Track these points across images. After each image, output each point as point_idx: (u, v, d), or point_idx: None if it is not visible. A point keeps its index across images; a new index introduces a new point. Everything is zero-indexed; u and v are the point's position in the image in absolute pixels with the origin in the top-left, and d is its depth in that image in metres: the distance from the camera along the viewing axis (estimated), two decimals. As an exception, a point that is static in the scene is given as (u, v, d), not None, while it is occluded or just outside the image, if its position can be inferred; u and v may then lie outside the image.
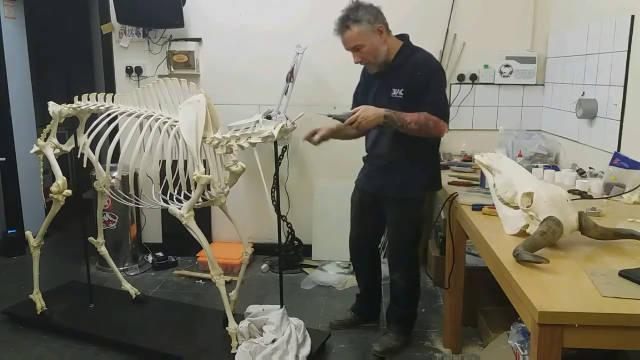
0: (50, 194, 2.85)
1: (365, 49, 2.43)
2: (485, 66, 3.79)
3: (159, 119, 2.63)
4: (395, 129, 2.39)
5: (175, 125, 2.56)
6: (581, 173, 2.71)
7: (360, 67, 2.66)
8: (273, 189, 3.67)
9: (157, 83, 2.67)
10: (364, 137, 2.72)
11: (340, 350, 2.79)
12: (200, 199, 2.55)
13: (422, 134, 2.38)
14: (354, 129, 2.38)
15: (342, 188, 3.68)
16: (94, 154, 2.88)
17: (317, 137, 2.59)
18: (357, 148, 2.78)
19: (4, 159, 4.11)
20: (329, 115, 2.46)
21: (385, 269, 3.01)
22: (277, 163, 2.81)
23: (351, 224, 2.91)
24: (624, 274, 1.45)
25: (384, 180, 2.62)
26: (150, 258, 4.00)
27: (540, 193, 1.73)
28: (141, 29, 3.89)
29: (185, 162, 2.58)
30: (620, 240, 1.72)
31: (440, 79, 2.48)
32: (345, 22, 2.42)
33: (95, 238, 3.15)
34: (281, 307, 2.59)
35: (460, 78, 3.80)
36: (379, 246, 3.05)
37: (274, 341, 2.47)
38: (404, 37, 2.57)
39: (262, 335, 2.53)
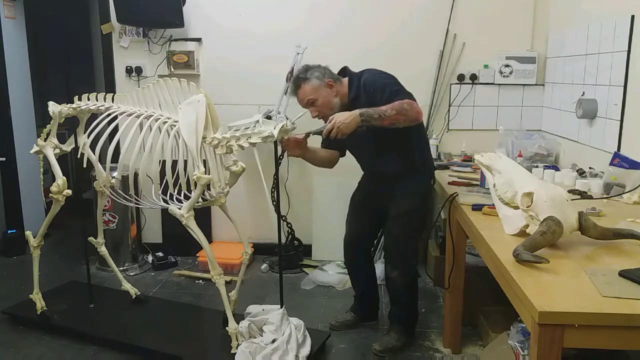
0: (50, 194, 2.85)
1: (319, 102, 2.55)
2: (485, 66, 3.79)
3: (159, 119, 2.63)
4: (376, 125, 2.36)
5: (175, 125, 2.56)
6: (581, 173, 2.71)
7: None
8: (273, 189, 3.66)
9: (157, 83, 2.67)
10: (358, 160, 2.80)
11: (340, 350, 2.79)
12: (200, 199, 2.55)
13: (401, 120, 2.35)
14: (335, 136, 2.35)
15: (342, 188, 3.69)
16: (94, 154, 2.88)
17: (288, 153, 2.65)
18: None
19: (4, 159, 4.11)
20: (307, 134, 2.50)
21: (381, 269, 3.01)
22: (277, 163, 2.81)
23: (348, 224, 2.92)
24: (624, 274, 1.45)
25: (391, 177, 2.65)
26: (150, 258, 4.00)
27: (540, 193, 1.74)
28: (141, 29, 3.89)
29: (185, 162, 2.58)
30: (620, 240, 1.72)
31: (390, 79, 2.54)
32: (296, 82, 2.60)
33: (95, 238, 3.15)
34: (281, 307, 2.59)
35: (460, 78, 3.80)
36: (372, 248, 3.07)
37: (274, 341, 2.46)
38: (345, 72, 2.66)
39: (262, 335, 2.53)
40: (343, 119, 2.32)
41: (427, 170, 2.71)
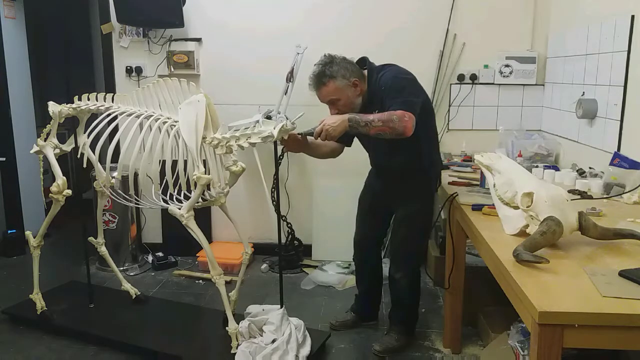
0: (50, 194, 2.85)
1: (341, 102, 2.45)
2: (485, 66, 3.79)
3: (159, 119, 2.63)
4: (362, 132, 2.34)
5: (175, 125, 2.56)
6: (581, 173, 2.71)
7: None
8: (273, 189, 3.67)
9: (157, 83, 2.66)
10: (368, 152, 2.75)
11: (340, 350, 2.79)
12: (200, 199, 2.55)
13: (387, 131, 2.27)
14: (324, 139, 2.34)
15: (342, 188, 3.71)
16: (94, 154, 2.88)
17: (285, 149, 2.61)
18: (356, 148, 2.78)
19: (4, 159, 4.11)
20: (299, 134, 2.48)
21: (385, 269, 3.01)
22: (277, 163, 2.81)
23: (357, 224, 2.91)
24: (624, 274, 1.45)
25: (398, 175, 2.64)
26: (150, 258, 4.00)
27: (540, 193, 1.74)
28: (141, 29, 3.89)
29: (185, 162, 2.58)
30: (620, 240, 1.73)
31: (405, 82, 2.42)
32: (320, 78, 2.43)
33: (95, 238, 3.15)
34: (281, 307, 2.59)
35: (460, 78, 3.80)
36: (382, 247, 3.05)
37: (274, 341, 2.47)
38: (365, 63, 2.54)
39: (262, 335, 2.53)
40: (332, 122, 2.31)
41: (434, 173, 2.68)
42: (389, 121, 2.26)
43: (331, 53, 2.50)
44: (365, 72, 2.53)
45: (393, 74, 2.44)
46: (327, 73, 2.42)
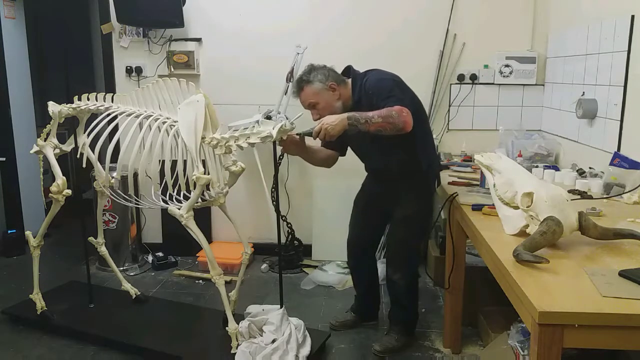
0: (50, 194, 2.85)
1: (320, 106, 2.51)
2: (485, 66, 3.79)
3: (159, 118, 2.63)
4: (362, 130, 2.33)
5: (174, 125, 2.56)
6: (581, 173, 2.71)
7: None
8: (273, 189, 3.66)
9: (156, 83, 2.66)
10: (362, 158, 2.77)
11: (340, 350, 2.79)
12: (199, 199, 2.55)
13: (387, 127, 2.28)
14: (323, 138, 2.34)
15: (342, 188, 3.70)
16: (94, 153, 2.88)
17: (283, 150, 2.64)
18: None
19: (4, 159, 4.11)
20: (297, 134, 2.49)
21: (382, 269, 3.01)
22: (277, 163, 2.81)
23: (351, 227, 2.91)
24: (624, 274, 1.45)
25: (395, 178, 2.63)
26: (150, 258, 4.00)
27: (540, 193, 1.74)
28: (141, 29, 3.90)
29: (185, 162, 2.58)
30: (620, 240, 1.72)
31: (391, 82, 2.46)
32: (299, 84, 2.55)
33: (95, 238, 3.15)
34: (281, 307, 2.59)
35: (460, 78, 3.80)
36: (376, 249, 3.05)
37: (274, 341, 2.46)
38: (349, 71, 2.60)
39: (262, 335, 2.53)
40: (330, 121, 2.31)
41: (432, 172, 2.68)
42: (389, 117, 2.27)
43: (314, 63, 2.58)
44: (350, 81, 2.56)
45: (377, 77, 2.49)
46: (305, 79, 2.53)
